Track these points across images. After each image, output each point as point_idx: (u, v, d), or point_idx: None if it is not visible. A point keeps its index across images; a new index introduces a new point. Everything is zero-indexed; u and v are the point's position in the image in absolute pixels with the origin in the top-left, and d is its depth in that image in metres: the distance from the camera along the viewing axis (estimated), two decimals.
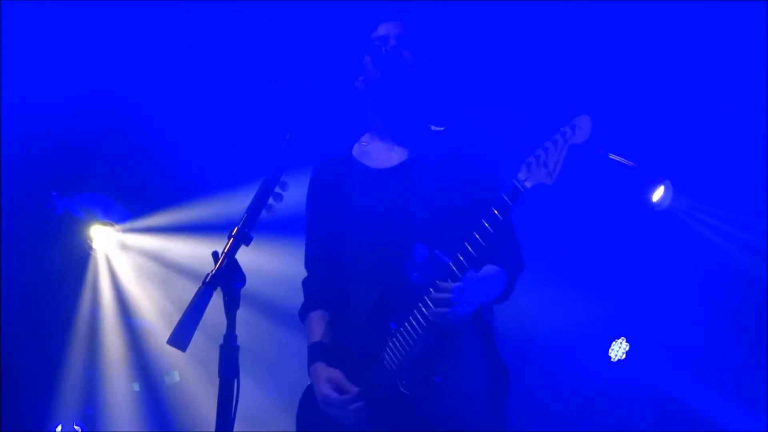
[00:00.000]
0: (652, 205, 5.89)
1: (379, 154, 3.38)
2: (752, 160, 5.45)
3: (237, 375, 2.37)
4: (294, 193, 2.68)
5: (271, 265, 5.79)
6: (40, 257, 6.63)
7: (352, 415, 3.12)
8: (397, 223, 3.20)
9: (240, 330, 2.39)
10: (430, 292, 2.95)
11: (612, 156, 5.57)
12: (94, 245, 6.89)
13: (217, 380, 2.38)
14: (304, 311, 3.44)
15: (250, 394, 5.86)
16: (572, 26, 5.30)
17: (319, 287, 3.40)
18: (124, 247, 6.95)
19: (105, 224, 6.93)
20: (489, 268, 3.10)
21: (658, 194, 5.87)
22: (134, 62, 5.80)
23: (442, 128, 3.40)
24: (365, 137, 3.45)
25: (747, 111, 5.34)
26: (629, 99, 5.52)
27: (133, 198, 6.90)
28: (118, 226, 6.90)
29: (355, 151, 3.44)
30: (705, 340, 5.82)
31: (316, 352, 3.29)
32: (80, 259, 6.90)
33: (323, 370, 3.22)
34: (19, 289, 6.53)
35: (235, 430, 2.37)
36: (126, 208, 6.88)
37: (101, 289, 6.94)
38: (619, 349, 6.22)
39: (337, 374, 3.18)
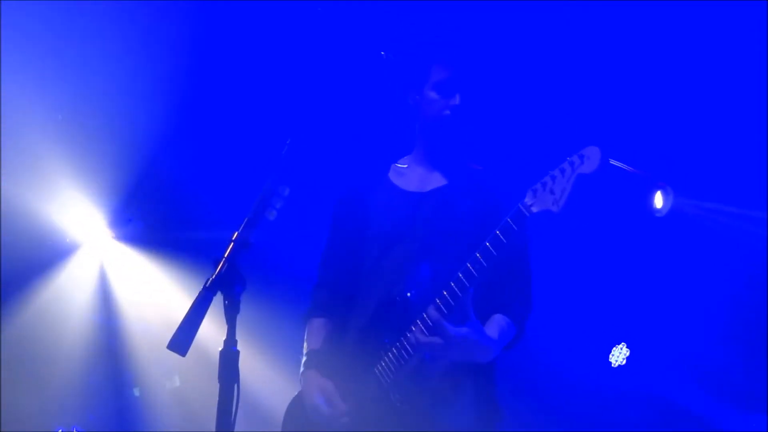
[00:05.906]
0: (653, 211, 5.89)
1: (414, 178, 3.42)
2: (752, 164, 5.46)
3: (237, 380, 2.37)
4: (294, 199, 2.68)
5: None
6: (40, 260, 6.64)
7: (340, 428, 3.15)
8: (410, 243, 3.24)
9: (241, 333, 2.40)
10: (422, 316, 3.00)
11: (612, 162, 5.56)
12: (89, 249, 6.87)
13: (217, 385, 2.38)
14: (308, 317, 3.48)
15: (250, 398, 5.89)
16: (573, 30, 5.31)
17: (326, 296, 3.46)
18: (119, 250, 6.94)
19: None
20: (492, 329, 3.09)
21: (658, 200, 5.87)
22: (133, 64, 5.80)
23: (480, 167, 3.43)
24: (404, 159, 3.49)
25: (747, 114, 5.35)
26: (629, 104, 5.53)
27: (132, 202, 6.89)
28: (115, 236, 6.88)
29: (390, 172, 3.48)
30: (704, 343, 5.82)
31: (311, 360, 3.34)
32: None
33: (315, 379, 3.26)
34: (20, 292, 6.55)
35: None
36: (127, 213, 6.86)
37: (102, 294, 6.94)
38: (619, 355, 6.22)
39: (328, 385, 3.22)
